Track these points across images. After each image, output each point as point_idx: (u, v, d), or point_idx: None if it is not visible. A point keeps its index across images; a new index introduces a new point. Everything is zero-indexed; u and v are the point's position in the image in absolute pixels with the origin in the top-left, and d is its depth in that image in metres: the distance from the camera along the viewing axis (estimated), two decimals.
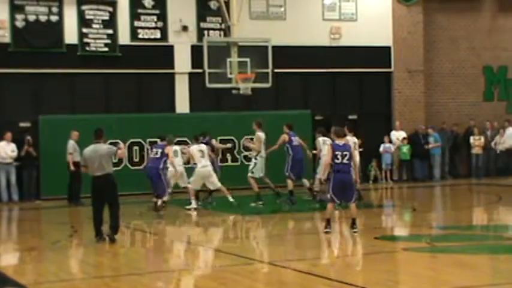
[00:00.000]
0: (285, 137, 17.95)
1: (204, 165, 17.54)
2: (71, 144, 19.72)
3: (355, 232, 12.81)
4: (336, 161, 12.61)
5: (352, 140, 16.26)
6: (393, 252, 11.79)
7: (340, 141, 12.82)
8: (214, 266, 11.09)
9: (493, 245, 12.10)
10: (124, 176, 21.17)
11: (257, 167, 18.12)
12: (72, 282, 10.00)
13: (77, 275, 10.40)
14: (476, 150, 24.81)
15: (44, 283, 9.82)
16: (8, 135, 20.76)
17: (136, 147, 21.81)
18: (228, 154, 22.57)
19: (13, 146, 20.81)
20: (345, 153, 12.65)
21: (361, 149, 24.08)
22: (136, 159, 21.76)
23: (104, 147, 12.97)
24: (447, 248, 11.83)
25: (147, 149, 21.83)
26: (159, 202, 17.19)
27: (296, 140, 18.11)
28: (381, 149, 24.31)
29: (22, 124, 21.69)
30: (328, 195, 12.95)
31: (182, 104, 23.18)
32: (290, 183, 17.86)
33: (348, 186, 12.92)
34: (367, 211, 18.49)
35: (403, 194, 22.37)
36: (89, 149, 12.94)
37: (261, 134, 18.14)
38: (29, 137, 20.84)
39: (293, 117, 22.78)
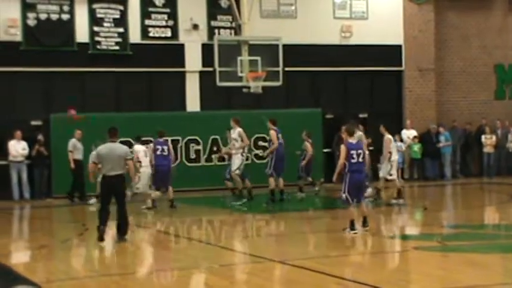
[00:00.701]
0: (273, 133, 17.94)
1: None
2: (72, 142, 19.84)
3: (366, 230, 12.71)
4: (352, 160, 12.27)
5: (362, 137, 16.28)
6: (404, 251, 11.75)
7: (353, 140, 12.57)
8: (224, 264, 11.08)
9: (505, 244, 12.03)
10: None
11: (242, 164, 18.36)
12: (82, 280, 10.02)
13: (86, 273, 10.41)
14: (487, 149, 24.70)
15: (55, 281, 9.83)
16: (18, 133, 20.83)
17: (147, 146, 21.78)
18: None
19: (24, 144, 20.88)
20: (359, 151, 12.37)
21: (371, 148, 24.18)
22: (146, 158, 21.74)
23: (121, 148, 12.85)
24: (458, 247, 11.78)
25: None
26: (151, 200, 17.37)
27: (280, 137, 18.12)
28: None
29: (33, 122, 21.75)
30: (344, 196, 12.54)
31: (193, 102, 23.18)
32: (272, 182, 17.81)
33: (363, 186, 12.76)
34: (378, 210, 18.45)
35: (414, 193, 22.29)
36: (105, 148, 12.71)
37: (241, 130, 18.38)
38: (40, 137, 20.89)
39: (303, 116, 22.80)
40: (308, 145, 19.42)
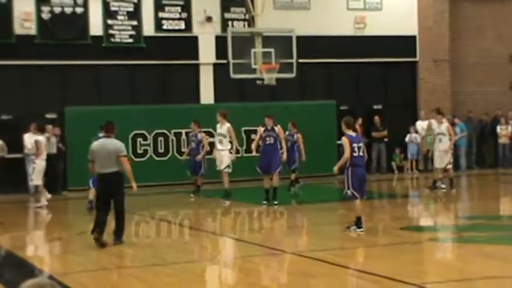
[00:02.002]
0: (261, 129, 16.58)
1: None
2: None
3: (352, 229, 12.14)
4: (354, 154, 11.92)
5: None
6: (419, 243, 11.72)
7: (352, 133, 12.29)
8: (238, 256, 11.10)
9: None
10: (148, 166, 21.32)
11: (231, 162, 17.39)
12: (97, 272, 10.07)
13: (102, 266, 10.46)
14: (503, 140, 24.55)
15: (70, 273, 9.90)
16: (33, 126, 20.90)
17: (161, 138, 21.87)
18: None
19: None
20: (360, 145, 12.08)
21: (386, 140, 24.13)
22: (161, 150, 21.83)
23: (113, 144, 11.74)
24: (474, 238, 11.73)
25: (172, 140, 21.91)
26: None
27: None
28: (407, 139, 24.16)
29: (48, 115, 21.84)
30: (349, 192, 12.11)
31: (207, 94, 23.19)
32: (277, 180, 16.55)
33: (366, 180, 12.51)
34: (392, 201, 18.43)
35: (428, 184, 22.18)
36: (97, 144, 11.91)
37: (230, 126, 17.27)
38: (57, 132, 20.96)
39: (318, 108, 22.77)
40: (300, 137, 18.53)
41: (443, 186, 18.22)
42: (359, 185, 12.10)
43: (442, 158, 17.99)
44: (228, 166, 17.28)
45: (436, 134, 18.28)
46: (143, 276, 9.60)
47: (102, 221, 11.55)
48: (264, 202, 16.14)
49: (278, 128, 16.41)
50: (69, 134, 21.07)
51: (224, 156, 17.33)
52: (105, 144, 11.75)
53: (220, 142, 17.47)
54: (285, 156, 16.65)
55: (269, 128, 16.33)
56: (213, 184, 19.17)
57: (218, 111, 17.64)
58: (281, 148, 16.54)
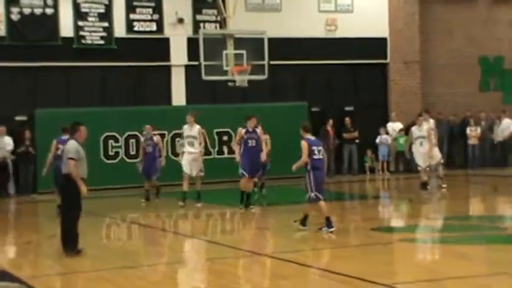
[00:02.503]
0: (242, 131, 15.95)
1: None
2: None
3: (298, 223, 12.52)
4: (314, 156, 12.24)
5: None
6: (390, 243, 11.81)
7: (311, 136, 12.56)
8: (209, 258, 11.09)
9: (490, 235, 12.11)
10: (120, 168, 21.25)
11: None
12: (68, 275, 10.00)
13: (73, 269, 10.38)
14: (472, 141, 24.81)
15: (41, 277, 9.82)
16: (3, 129, 20.73)
17: (133, 140, 21.76)
18: (225, 146, 22.59)
19: (9, 140, 20.77)
20: (319, 148, 12.38)
21: (357, 141, 24.26)
22: (133, 152, 21.72)
23: (68, 145, 11.33)
24: (444, 238, 11.85)
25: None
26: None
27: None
28: (378, 140, 24.31)
29: (18, 118, 21.65)
30: (312, 195, 12.30)
31: (178, 96, 23.14)
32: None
33: (324, 182, 12.70)
34: (363, 202, 18.55)
35: (399, 185, 22.38)
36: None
37: (200, 127, 16.91)
38: (27, 134, 20.79)
39: (289, 109, 22.82)
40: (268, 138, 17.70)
41: (444, 185, 18.72)
42: (320, 187, 12.35)
43: (424, 159, 18.14)
44: (201, 170, 16.98)
45: (415, 138, 18.31)
46: (114, 279, 9.55)
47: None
48: (241, 206, 15.68)
49: (259, 130, 16.07)
50: (39, 136, 20.88)
51: (198, 159, 16.95)
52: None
53: (191, 144, 16.95)
54: (264, 156, 16.24)
55: (250, 129, 15.83)
56: (172, 187, 19.06)
57: (190, 113, 17.27)
58: (261, 150, 16.09)
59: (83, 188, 10.96)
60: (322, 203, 12.35)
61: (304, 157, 12.27)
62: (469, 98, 26.17)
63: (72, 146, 11.15)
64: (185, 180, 16.87)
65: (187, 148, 17.02)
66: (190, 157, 16.91)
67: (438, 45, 26.01)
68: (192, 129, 16.92)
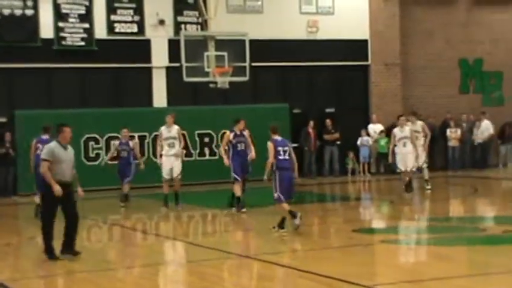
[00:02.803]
0: (229, 135, 15.72)
1: None
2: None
3: (275, 228, 12.49)
4: (279, 157, 12.34)
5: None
6: (371, 245, 11.86)
7: (278, 137, 12.63)
8: (191, 260, 11.08)
9: (469, 236, 12.20)
10: (101, 170, 21.17)
11: None
12: (49, 277, 9.95)
13: (53, 271, 10.33)
14: (452, 143, 24.96)
15: (20, 279, 9.77)
16: None
17: (114, 142, 21.60)
18: (206, 148, 22.57)
19: None
20: (285, 148, 12.47)
21: (338, 142, 24.32)
22: (114, 154, 21.59)
23: (45, 146, 11.45)
24: (424, 240, 11.93)
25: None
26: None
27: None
28: (359, 142, 24.40)
29: None
30: (276, 195, 12.40)
31: (159, 98, 23.09)
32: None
33: (293, 182, 12.74)
34: (344, 204, 18.61)
35: (380, 187, 22.47)
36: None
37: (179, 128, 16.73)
38: (7, 136, 20.64)
39: (271, 111, 22.83)
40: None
41: (428, 187, 18.79)
42: (286, 187, 12.39)
43: (405, 161, 18.07)
44: (180, 172, 16.56)
45: (398, 139, 18.23)
46: (96, 280, 9.52)
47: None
48: (234, 208, 15.50)
49: (247, 133, 15.83)
50: (19, 138, 20.76)
51: (178, 161, 16.57)
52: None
53: (172, 146, 16.47)
54: (252, 154, 15.87)
55: (238, 133, 15.58)
56: (153, 189, 19.00)
57: (170, 114, 16.92)
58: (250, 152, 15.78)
59: (55, 189, 10.59)
60: (284, 205, 12.40)
61: (270, 158, 12.40)
62: (450, 100, 26.34)
63: (48, 147, 11.04)
64: (165, 184, 16.60)
65: (167, 150, 16.50)
66: (171, 160, 16.49)
67: (419, 48, 26.16)
68: (171, 131, 16.53)
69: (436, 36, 26.31)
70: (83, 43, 22.22)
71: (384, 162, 24.50)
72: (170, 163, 16.47)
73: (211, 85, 20.58)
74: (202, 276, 9.66)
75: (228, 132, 15.77)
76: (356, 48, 25.03)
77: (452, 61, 26.53)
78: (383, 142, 24.13)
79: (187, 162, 21.18)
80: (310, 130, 23.74)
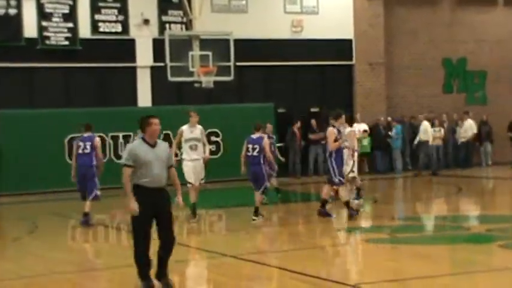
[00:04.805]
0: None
1: None
2: None
3: (254, 220, 13.75)
4: (248, 153, 13.94)
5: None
6: (355, 244, 11.90)
7: (254, 135, 14.06)
8: (177, 260, 11.07)
9: (453, 235, 12.28)
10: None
11: None
12: (33, 279, 9.90)
13: (38, 272, 10.28)
14: (436, 142, 25.08)
15: (4, 280, 9.72)
16: None
17: None
18: None
19: None
20: (255, 146, 13.87)
21: (323, 142, 24.33)
22: None
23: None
24: (408, 239, 11.99)
25: (109, 143, 21.68)
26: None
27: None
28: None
29: None
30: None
31: (144, 97, 23.05)
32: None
33: (258, 177, 13.92)
34: (329, 203, 18.61)
35: (364, 187, 22.51)
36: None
37: None
38: None
39: (256, 110, 22.85)
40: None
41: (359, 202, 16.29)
42: (251, 179, 14.08)
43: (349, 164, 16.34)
44: (202, 178, 14.41)
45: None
46: (81, 281, 9.50)
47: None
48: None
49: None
50: (2, 137, 20.65)
51: (201, 166, 14.34)
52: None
53: (194, 149, 14.23)
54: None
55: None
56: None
57: (192, 111, 14.58)
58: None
59: (130, 207, 8.48)
60: (256, 194, 13.97)
61: (243, 152, 14.12)
62: (433, 100, 26.48)
63: (128, 147, 8.76)
64: (191, 191, 14.16)
65: (189, 154, 14.24)
66: (194, 164, 14.23)
67: (402, 47, 26.28)
68: (194, 131, 14.28)
69: (420, 36, 26.44)
70: (67, 42, 22.14)
71: (366, 161, 24.62)
72: (194, 168, 14.20)
73: (196, 85, 20.58)
74: (188, 276, 9.66)
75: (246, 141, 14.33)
76: (340, 47, 25.10)
77: (436, 61, 26.68)
78: (366, 142, 24.18)
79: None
80: (296, 130, 23.78)
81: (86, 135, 14.58)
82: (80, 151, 14.36)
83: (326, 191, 14.29)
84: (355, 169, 16.30)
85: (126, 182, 8.51)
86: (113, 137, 21.70)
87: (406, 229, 13.31)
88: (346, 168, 15.59)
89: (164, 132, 21.75)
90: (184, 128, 14.35)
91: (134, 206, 8.39)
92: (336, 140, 13.98)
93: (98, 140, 14.64)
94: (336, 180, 14.00)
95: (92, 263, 10.79)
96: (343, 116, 14.82)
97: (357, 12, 25.30)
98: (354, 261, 10.58)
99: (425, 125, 23.86)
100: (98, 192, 14.42)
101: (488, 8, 27.33)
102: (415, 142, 24.17)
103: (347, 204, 14.13)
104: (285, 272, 9.60)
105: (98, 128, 21.20)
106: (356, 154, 16.64)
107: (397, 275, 9.29)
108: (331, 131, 14.06)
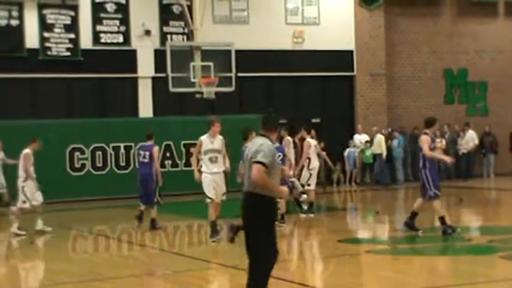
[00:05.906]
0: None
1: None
2: None
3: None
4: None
5: (312, 142, 16.29)
6: (356, 255, 11.88)
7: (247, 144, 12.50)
8: (177, 270, 11.05)
9: (454, 246, 12.25)
10: (86, 181, 21.11)
11: None
12: None
13: (40, 283, 10.27)
14: (437, 153, 25.04)
15: None
16: None
17: (99, 152, 21.61)
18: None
19: None
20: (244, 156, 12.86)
21: (324, 152, 24.35)
22: (99, 164, 21.56)
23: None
24: (409, 250, 11.96)
25: (110, 154, 21.67)
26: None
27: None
28: (346, 153, 24.46)
29: None
30: None
31: (145, 108, 23.08)
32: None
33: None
34: (330, 214, 18.62)
35: (366, 197, 22.53)
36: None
37: None
38: None
39: (257, 121, 22.85)
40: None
41: (308, 215, 15.93)
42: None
43: (303, 176, 16.18)
44: (224, 193, 13.19)
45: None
46: None
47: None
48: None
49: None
50: (3, 148, 20.63)
51: (222, 180, 13.16)
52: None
53: (214, 161, 12.98)
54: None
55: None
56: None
57: (215, 120, 13.35)
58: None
59: (282, 190, 7.78)
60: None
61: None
62: (435, 110, 26.43)
63: (267, 145, 7.86)
64: (212, 208, 12.96)
65: (209, 166, 12.95)
66: (214, 178, 13.00)
67: (404, 58, 26.32)
68: (214, 141, 13.06)
69: (421, 46, 26.48)
70: (68, 53, 22.19)
71: (368, 172, 24.60)
72: (214, 182, 12.99)
73: (197, 95, 20.62)
74: (186, 286, 9.63)
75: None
76: (341, 58, 25.14)
77: (437, 71, 26.71)
78: (368, 153, 24.20)
79: (174, 172, 21.25)
80: (297, 141, 23.73)
81: (146, 144, 15.06)
82: (141, 159, 15.02)
83: (418, 204, 13.03)
84: (311, 182, 15.90)
85: (268, 180, 7.35)
86: (114, 148, 21.69)
87: (408, 240, 13.27)
88: (303, 180, 15.71)
89: (165, 143, 21.88)
90: (204, 138, 13.05)
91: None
92: (431, 149, 12.58)
93: (155, 149, 15.01)
94: (431, 193, 12.74)
95: (92, 274, 10.77)
96: (437, 123, 13.75)
97: (358, 23, 25.35)
98: (355, 272, 10.54)
99: None
100: (156, 199, 14.96)
101: (489, 19, 27.38)
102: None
103: (442, 220, 12.71)
104: (285, 282, 9.57)
105: (99, 139, 21.38)
106: (316, 166, 16.20)
107: (398, 286, 9.26)
108: (425, 139, 12.61)
